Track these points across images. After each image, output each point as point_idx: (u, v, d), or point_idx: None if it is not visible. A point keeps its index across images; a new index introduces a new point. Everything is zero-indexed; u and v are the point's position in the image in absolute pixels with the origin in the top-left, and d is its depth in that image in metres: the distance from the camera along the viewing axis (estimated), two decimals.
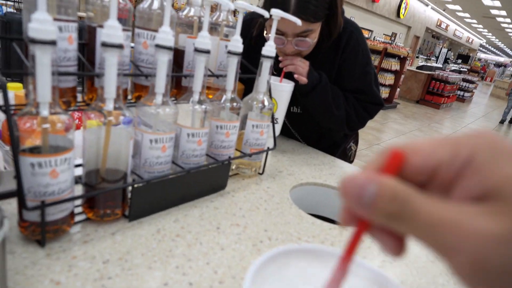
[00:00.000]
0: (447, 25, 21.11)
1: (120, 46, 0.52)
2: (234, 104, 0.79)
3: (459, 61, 18.25)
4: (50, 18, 0.44)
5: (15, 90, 0.88)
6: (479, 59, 31.65)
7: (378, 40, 9.75)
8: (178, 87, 0.82)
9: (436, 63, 11.86)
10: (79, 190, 0.59)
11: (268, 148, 0.91)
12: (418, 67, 9.75)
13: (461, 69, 12.49)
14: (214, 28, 0.83)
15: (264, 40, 0.90)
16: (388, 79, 7.84)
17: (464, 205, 0.20)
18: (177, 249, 0.59)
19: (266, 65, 0.82)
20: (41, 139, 0.48)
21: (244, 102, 0.85)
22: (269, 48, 0.81)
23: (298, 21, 0.85)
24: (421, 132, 6.26)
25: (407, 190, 0.21)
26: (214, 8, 0.84)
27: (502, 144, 0.21)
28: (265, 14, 0.81)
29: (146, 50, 0.70)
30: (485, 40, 32.40)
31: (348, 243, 0.25)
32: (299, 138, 1.33)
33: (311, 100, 1.11)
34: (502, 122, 9.12)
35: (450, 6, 17.72)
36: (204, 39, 0.67)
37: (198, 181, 0.74)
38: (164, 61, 0.60)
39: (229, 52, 0.74)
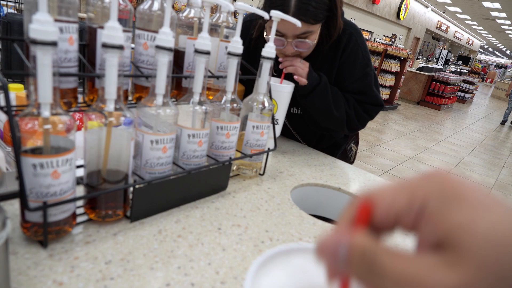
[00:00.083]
0: (447, 27, 21.10)
1: (120, 47, 0.52)
2: (235, 105, 0.79)
3: (460, 62, 18.23)
4: (51, 19, 0.44)
5: (16, 91, 0.88)
6: (480, 61, 31.68)
7: (378, 42, 9.78)
8: (179, 88, 0.83)
9: (437, 64, 11.84)
10: (80, 191, 0.59)
11: (268, 149, 0.92)
12: (418, 69, 9.73)
13: (462, 70, 12.48)
14: (214, 29, 0.83)
15: (264, 42, 0.91)
16: (389, 80, 7.85)
17: (424, 257, 0.22)
18: (179, 249, 0.59)
19: (266, 66, 0.82)
20: (42, 140, 0.48)
21: (244, 103, 0.85)
22: (269, 49, 0.81)
23: (298, 23, 0.85)
24: (421, 133, 6.26)
25: (373, 246, 0.23)
26: (214, 10, 0.85)
27: (452, 187, 0.23)
28: (265, 15, 0.81)
29: (146, 51, 0.70)
30: (485, 42, 32.39)
31: None
32: (300, 139, 1.33)
33: (311, 101, 1.11)
34: (503, 123, 9.11)
35: (450, 8, 17.73)
36: (204, 40, 0.67)
37: (199, 182, 0.74)
38: (164, 62, 0.61)
39: (229, 53, 0.75)
